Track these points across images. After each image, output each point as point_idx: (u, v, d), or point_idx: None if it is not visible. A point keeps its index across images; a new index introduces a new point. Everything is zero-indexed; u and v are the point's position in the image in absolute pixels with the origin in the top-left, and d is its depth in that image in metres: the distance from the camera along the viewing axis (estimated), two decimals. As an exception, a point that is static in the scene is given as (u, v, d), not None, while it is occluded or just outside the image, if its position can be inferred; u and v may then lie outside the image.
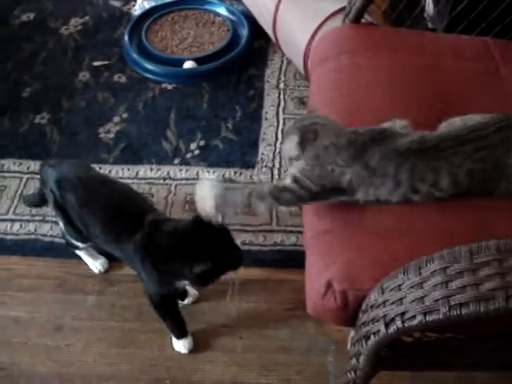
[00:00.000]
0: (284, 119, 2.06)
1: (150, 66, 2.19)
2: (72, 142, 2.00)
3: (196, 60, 2.20)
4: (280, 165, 1.91)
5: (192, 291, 1.60)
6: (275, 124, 2.04)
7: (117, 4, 2.53)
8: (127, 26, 2.34)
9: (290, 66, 2.24)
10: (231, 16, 2.38)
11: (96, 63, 2.27)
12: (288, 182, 1.13)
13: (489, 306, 0.81)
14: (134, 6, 2.52)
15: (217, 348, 1.53)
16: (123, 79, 2.21)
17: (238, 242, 1.38)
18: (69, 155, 1.91)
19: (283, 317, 1.59)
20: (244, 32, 2.31)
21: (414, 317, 0.87)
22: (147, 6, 2.45)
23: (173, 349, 1.52)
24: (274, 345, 1.54)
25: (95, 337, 1.56)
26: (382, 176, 1.08)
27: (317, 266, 1.08)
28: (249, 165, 1.91)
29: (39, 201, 1.64)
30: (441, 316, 0.84)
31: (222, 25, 2.36)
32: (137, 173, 1.90)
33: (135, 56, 2.22)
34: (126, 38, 2.29)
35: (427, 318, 0.85)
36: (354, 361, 1.06)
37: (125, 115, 2.08)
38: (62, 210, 1.49)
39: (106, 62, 2.27)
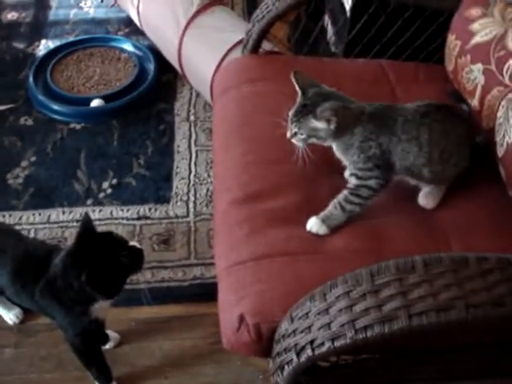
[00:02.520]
0: (196, 151, 2.06)
1: (56, 107, 2.15)
2: (-22, 190, 1.92)
3: (103, 98, 2.18)
4: (195, 197, 1.91)
5: (113, 334, 1.56)
6: (188, 157, 2.04)
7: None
8: (31, 67, 2.29)
9: (199, 98, 2.25)
10: (137, 51, 2.38)
11: (0, 107, 2.20)
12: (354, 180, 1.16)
13: (393, 326, 0.83)
14: (38, 46, 2.47)
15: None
16: (30, 122, 2.16)
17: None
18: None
19: (208, 351, 1.57)
20: (151, 67, 2.30)
21: (322, 344, 0.88)
22: (52, 45, 2.41)
23: (97, 397, 1.47)
24: (200, 381, 1.51)
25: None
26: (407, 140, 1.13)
27: (229, 300, 1.08)
28: (164, 200, 1.90)
29: None
30: (348, 340, 0.85)
31: (129, 61, 2.35)
32: (49, 217, 1.84)
33: (41, 97, 2.17)
34: (31, 79, 2.24)
35: (335, 344, 0.86)
36: (274, 392, 1.06)
37: (33, 159, 2.02)
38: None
39: (11, 106, 2.20)
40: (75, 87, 2.24)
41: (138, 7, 2.33)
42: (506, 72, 1.21)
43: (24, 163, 2.01)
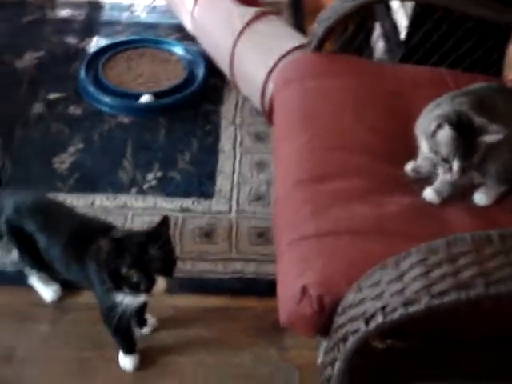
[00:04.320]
0: (241, 152, 2.08)
1: (106, 99, 2.19)
2: (25, 171, 1.95)
3: (153, 95, 2.21)
4: (238, 195, 1.92)
5: (151, 319, 1.56)
6: (232, 157, 2.06)
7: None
8: (84, 61, 2.34)
9: (246, 103, 2.28)
10: (187, 55, 2.42)
11: (51, 96, 2.24)
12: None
13: (469, 294, 0.83)
14: (89, 43, 2.53)
15: (180, 374, 1.49)
16: (78, 112, 2.20)
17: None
18: (21, 184, 1.86)
19: (246, 344, 1.56)
20: (200, 70, 2.35)
21: (395, 310, 0.88)
22: (103, 43, 2.47)
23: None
24: (236, 371, 1.50)
25: (49, 367, 1.48)
26: None
27: (291, 274, 1.08)
28: (207, 195, 1.92)
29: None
30: (422, 306, 0.85)
31: (178, 63, 2.39)
32: (93, 201, 1.86)
33: (91, 89, 2.22)
34: (83, 72, 2.28)
35: (409, 310, 0.86)
36: (327, 371, 1.05)
37: (80, 146, 2.05)
38: (18, 238, 1.45)
39: (61, 95, 2.25)
40: (125, 83, 2.28)
41: (192, 12, 2.38)
42: None
43: (71, 149, 2.04)
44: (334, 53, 1.64)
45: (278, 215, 1.22)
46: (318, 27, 1.54)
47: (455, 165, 1.12)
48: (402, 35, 1.74)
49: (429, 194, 1.21)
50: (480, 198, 1.24)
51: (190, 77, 2.32)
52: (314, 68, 1.49)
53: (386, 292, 0.89)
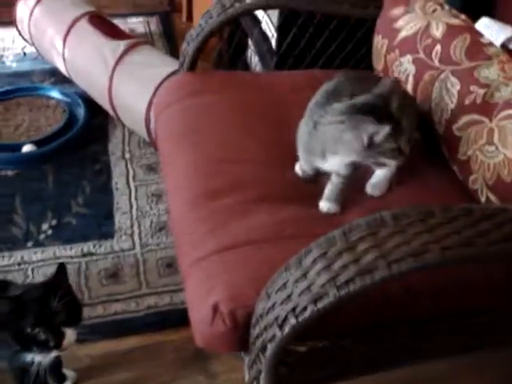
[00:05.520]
0: (136, 186, 2.04)
1: (-15, 155, 2.08)
2: None
3: (35, 143, 2.13)
4: (139, 230, 1.87)
5: (69, 373, 1.47)
6: (127, 192, 2.02)
7: None
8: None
9: (132, 137, 2.25)
10: (65, 98, 2.35)
11: None
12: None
13: (374, 277, 0.83)
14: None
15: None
16: (-42, 173, 2.07)
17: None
18: None
19: (172, 378, 1.50)
20: (81, 111, 2.28)
21: (305, 308, 0.86)
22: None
23: None
24: (165, 409, 1.45)
25: None
26: None
27: (199, 294, 1.05)
28: (107, 235, 1.85)
29: None
30: (331, 299, 0.84)
31: (57, 107, 2.32)
32: (-13, 263, 1.75)
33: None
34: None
35: (318, 306, 0.85)
36: (253, 386, 1.02)
37: (-37, 208, 1.93)
38: None
39: None
40: (4, 135, 2.18)
41: (63, 54, 2.32)
42: (435, 56, 1.29)
43: (-46, 214, 1.92)
44: (208, 70, 1.63)
45: (177, 238, 1.19)
46: (187, 47, 1.53)
47: (403, 143, 1.13)
48: (273, 44, 1.77)
49: (325, 206, 1.20)
50: (372, 189, 1.26)
51: (71, 120, 2.26)
52: (190, 87, 1.48)
53: (294, 292, 0.88)
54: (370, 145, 1.10)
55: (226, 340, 1.01)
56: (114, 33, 2.30)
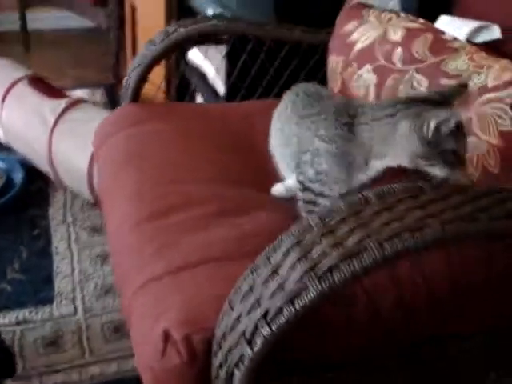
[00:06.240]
0: (78, 249, 1.85)
1: None
2: None
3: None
4: (82, 294, 1.67)
5: None
6: (69, 256, 1.82)
7: None
8: None
9: (75, 201, 2.07)
10: (2, 164, 2.17)
11: None
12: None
13: (363, 261, 0.66)
14: None
15: None
16: None
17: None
18: None
19: None
20: (19, 176, 2.11)
21: (280, 311, 0.69)
22: None
23: None
24: None
25: None
26: None
27: (146, 323, 0.85)
28: (46, 301, 1.64)
29: None
30: (312, 294, 0.67)
31: (-6, 173, 2.13)
32: None
33: None
34: None
35: (296, 305, 0.68)
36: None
37: None
38: None
39: None
40: None
41: (0, 119, 2.17)
42: (397, 59, 1.20)
43: None
44: (153, 101, 1.50)
45: (118, 269, 1.00)
46: (129, 78, 1.41)
47: (462, 150, 0.86)
48: (222, 75, 1.66)
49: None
50: None
51: (8, 184, 2.07)
52: (133, 117, 1.34)
53: (264, 295, 0.70)
54: (430, 142, 0.84)
55: (181, 376, 0.81)
56: (54, 93, 2.17)
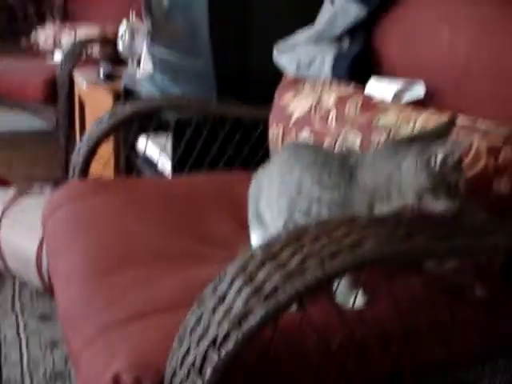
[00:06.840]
0: (27, 337, 1.80)
1: None
2: None
3: None
4: (31, 380, 1.62)
5: None
6: (17, 344, 1.77)
7: None
8: None
9: (23, 290, 2.04)
10: None
11: None
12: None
13: (306, 279, 0.69)
14: None
15: None
16: None
17: None
18: None
19: None
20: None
21: (227, 336, 0.70)
22: None
23: None
24: None
25: None
26: None
27: (96, 369, 0.84)
28: (-6, 392, 1.57)
29: None
30: (258, 316, 0.69)
31: None
32: None
33: None
34: None
35: (244, 329, 0.69)
36: None
37: None
38: None
39: None
40: None
41: None
42: (331, 122, 1.28)
43: None
44: (99, 177, 1.53)
45: (65, 326, 0.99)
46: (77, 154, 1.44)
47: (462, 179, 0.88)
48: (168, 150, 1.72)
49: None
50: None
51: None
52: (82, 191, 1.37)
53: (212, 323, 0.72)
54: (436, 175, 0.85)
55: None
56: (1, 181, 2.18)
